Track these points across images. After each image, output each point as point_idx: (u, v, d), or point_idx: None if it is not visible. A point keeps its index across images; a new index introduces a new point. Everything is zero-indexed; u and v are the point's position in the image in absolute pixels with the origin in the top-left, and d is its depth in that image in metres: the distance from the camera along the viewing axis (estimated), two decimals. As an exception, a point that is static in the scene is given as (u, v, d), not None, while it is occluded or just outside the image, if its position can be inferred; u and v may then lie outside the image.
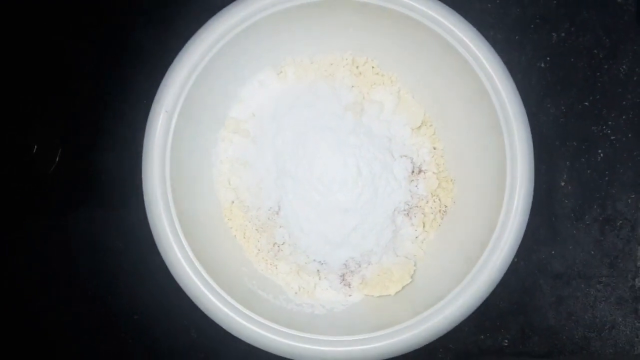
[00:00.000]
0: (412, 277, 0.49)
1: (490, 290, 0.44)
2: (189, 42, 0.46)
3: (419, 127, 0.51)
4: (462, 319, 0.44)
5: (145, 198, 0.45)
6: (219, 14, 0.46)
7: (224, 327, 0.44)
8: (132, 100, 0.54)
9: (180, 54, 0.46)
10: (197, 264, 0.44)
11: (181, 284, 0.45)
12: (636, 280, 0.54)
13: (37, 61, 0.55)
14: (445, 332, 0.44)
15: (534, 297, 0.54)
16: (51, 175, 0.54)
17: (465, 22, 0.46)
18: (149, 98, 0.46)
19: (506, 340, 0.54)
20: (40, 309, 0.55)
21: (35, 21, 0.55)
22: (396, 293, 0.48)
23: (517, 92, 0.45)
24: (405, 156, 0.50)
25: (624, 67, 0.55)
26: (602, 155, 0.55)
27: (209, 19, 0.46)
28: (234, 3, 0.46)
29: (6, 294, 0.55)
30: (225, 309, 0.44)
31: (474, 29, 0.46)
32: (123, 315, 0.54)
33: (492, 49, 0.46)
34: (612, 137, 0.55)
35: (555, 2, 0.55)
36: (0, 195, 0.55)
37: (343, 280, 0.49)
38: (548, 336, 0.54)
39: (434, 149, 0.51)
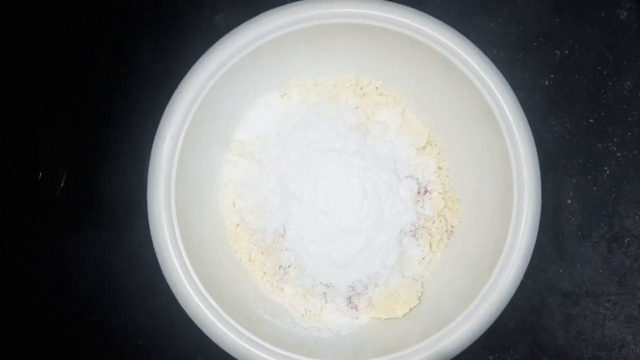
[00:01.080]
0: (419, 298, 0.48)
1: (500, 311, 0.43)
2: (194, 66, 0.46)
3: (424, 147, 0.51)
4: (471, 341, 0.43)
5: (150, 222, 0.45)
6: (223, 38, 0.46)
7: (229, 352, 0.44)
8: (137, 124, 0.54)
9: (186, 78, 0.46)
10: (202, 288, 0.44)
11: (186, 309, 0.44)
12: (645, 297, 0.54)
13: (41, 86, 0.55)
14: (454, 355, 0.43)
15: (542, 316, 0.53)
16: (56, 200, 0.54)
17: (468, 41, 0.46)
18: (154, 121, 0.46)
19: (515, 361, 0.53)
20: (41, 332, 0.55)
21: (40, 44, 0.55)
22: (403, 315, 0.48)
23: (521, 111, 0.45)
24: (411, 177, 0.50)
25: (628, 83, 0.55)
26: (608, 172, 0.54)
27: (214, 43, 0.46)
28: (238, 27, 0.46)
29: (8, 318, 0.55)
30: (231, 334, 0.43)
31: (477, 49, 0.46)
32: (127, 340, 0.54)
33: (495, 68, 0.46)
34: (617, 154, 0.54)
35: (557, 19, 0.55)
36: (6, 219, 0.55)
37: (350, 302, 0.49)
38: (557, 356, 0.53)
39: (440, 168, 0.51)
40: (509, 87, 0.45)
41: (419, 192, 0.50)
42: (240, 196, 0.50)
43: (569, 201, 0.54)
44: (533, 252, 0.45)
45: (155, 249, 0.45)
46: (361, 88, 0.51)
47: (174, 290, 0.44)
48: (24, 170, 0.54)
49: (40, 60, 0.55)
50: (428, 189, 0.50)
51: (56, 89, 0.56)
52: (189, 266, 0.44)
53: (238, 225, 0.50)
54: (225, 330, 0.43)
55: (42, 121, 0.55)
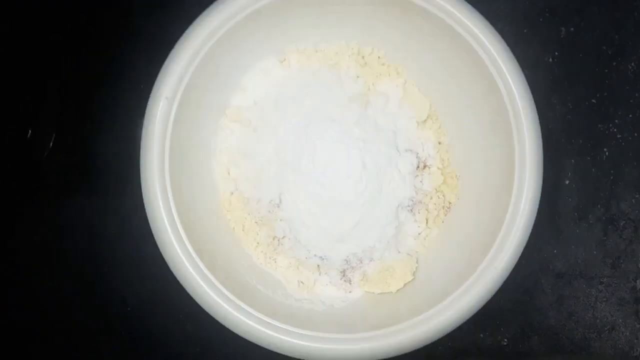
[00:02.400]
0: (414, 274, 0.48)
1: (494, 291, 0.43)
2: (190, 27, 0.44)
3: (425, 120, 0.50)
4: (464, 320, 0.43)
5: (143, 187, 0.43)
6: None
7: (220, 321, 0.43)
8: (130, 85, 0.53)
9: (182, 39, 0.44)
10: (194, 255, 0.43)
11: (178, 276, 0.43)
12: (638, 281, 0.53)
13: (31, 44, 0.54)
14: (446, 333, 0.43)
15: (535, 296, 0.53)
16: (45, 161, 0.53)
17: (476, 12, 0.45)
18: (147, 82, 0.45)
19: (505, 340, 0.53)
20: (31, 298, 0.54)
21: (30, 7, 0.53)
22: (397, 290, 0.47)
23: (527, 87, 0.44)
24: (411, 150, 0.49)
25: (633, 64, 0.54)
26: (607, 153, 0.54)
27: (211, 4, 0.45)
28: (238, -13, 0.44)
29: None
30: (223, 303, 0.43)
31: (485, 20, 0.45)
32: (116, 307, 0.53)
33: (503, 42, 0.45)
34: (618, 136, 0.54)
35: (565, -5, 0.54)
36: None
37: (344, 276, 0.48)
38: (548, 336, 0.53)
39: (439, 143, 0.50)
40: (515, 62, 0.44)
41: (418, 167, 0.49)
42: (235, 164, 0.49)
43: (567, 182, 0.54)
44: (528, 232, 0.44)
45: (148, 215, 0.44)
46: (363, 57, 0.50)
47: (166, 257, 0.43)
48: (12, 127, 0.52)
49: (33, 22, 0.54)
50: (427, 163, 0.50)
51: (47, 49, 0.54)
52: (182, 233, 0.43)
53: (232, 193, 0.49)
54: (217, 299, 0.42)
55: (31, 80, 0.53)
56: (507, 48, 0.44)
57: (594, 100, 0.54)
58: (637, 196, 0.54)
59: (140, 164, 0.44)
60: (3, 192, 0.54)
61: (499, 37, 0.44)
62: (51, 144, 0.53)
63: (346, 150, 0.46)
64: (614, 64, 0.54)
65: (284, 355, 0.43)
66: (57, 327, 0.54)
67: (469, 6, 0.45)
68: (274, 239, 0.48)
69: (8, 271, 0.54)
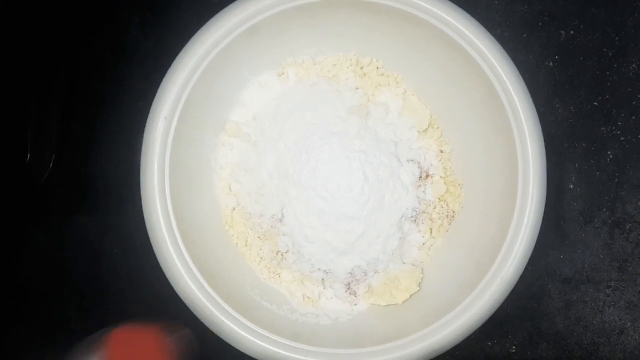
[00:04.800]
0: (419, 285, 0.47)
1: (502, 300, 0.42)
2: (188, 44, 0.44)
3: (426, 129, 0.49)
4: (472, 331, 0.42)
5: (144, 206, 0.43)
6: (218, 15, 0.44)
7: (225, 339, 0.43)
8: (128, 103, 0.53)
9: (179, 56, 0.44)
10: (196, 273, 0.43)
11: (180, 295, 0.43)
12: (646, 284, 0.53)
13: (30, 65, 0.53)
14: (454, 344, 0.42)
15: (542, 302, 0.53)
16: (45, 182, 0.53)
17: (472, 19, 0.45)
18: (146, 100, 0.45)
19: (514, 347, 0.53)
20: (33, 316, 0.53)
21: (28, 25, 0.53)
22: (403, 302, 0.47)
23: (527, 92, 0.44)
24: (412, 160, 0.49)
25: (634, 65, 0.54)
26: (611, 156, 0.53)
27: (209, 20, 0.44)
28: (233, 3, 0.44)
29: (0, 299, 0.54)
30: (226, 321, 0.42)
31: (482, 27, 0.45)
32: (120, 325, 0.53)
33: (500, 47, 0.44)
34: (621, 138, 0.53)
35: (563, -2, 0.54)
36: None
37: (348, 289, 0.48)
38: (556, 342, 0.53)
39: (441, 152, 0.50)
40: (514, 67, 0.44)
41: (420, 177, 0.49)
42: (236, 179, 0.49)
43: (571, 186, 0.53)
44: (534, 238, 0.44)
45: (149, 233, 0.43)
46: (361, 68, 0.50)
47: (168, 276, 0.43)
48: (12, 151, 0.52)
49: (31, 40, 0.53)
50: (429, 173, 0.49)
51: (45, 69, 0.54)
52: (184, 251, 0.43)
53: (234, 209, 0.49)
54: (222, 317, 0.42)
55: (30, 102, 0.53)
56: (505, 53, 0.44)
57: (596, 103, 0.54)
58: (642, 198, 0.53)
59: (141, 183, 0.43)
60: (5, 214, 0.53)
61: (496, 43, 0.44)
62: (51, 165, 0.53)
63: (347, 162, 0.46)
64: (615, 65, 0.54)
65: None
66: (60, 347, 0.53)
67: (466, 14, 0.44)
68: (277, 253, 0.48)
69: (12, 291, 0.54)
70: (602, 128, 0.54)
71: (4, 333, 0.54)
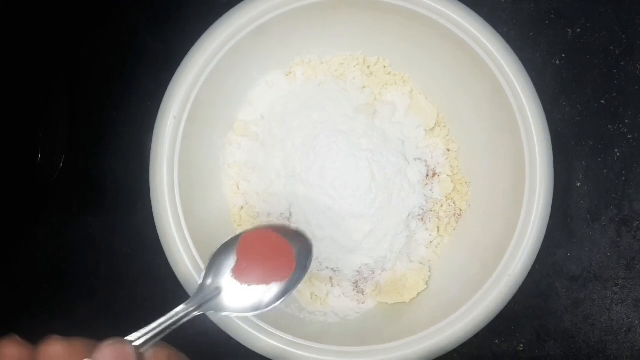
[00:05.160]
0: (427, 283, 0.48)
1: (509, 298, 0.43)
2: (196, 44, 0.44)
3: (433, 128, 0.50)
4: (479, 329, 0.42)
5: (153, 205, 0.44)
6: (226, 14, 0.44)
7: (234, 337, 0.43)
8: (136, 102, 0.53)
9: (188, 56, 0.44)
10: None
11: (190, 293, 0.43)
12: (653, 282, 0.53)
13: (39, 65, 0.54)
14: (462, 342, 0.42)
15: (550, 300, 0.53)
16: (55, 182, 0.53)
17: (479, 18, 0.45)
18: (154, 100, 0.45)
19: (521, 345, 0.53)
20: (43, 316, 0.54)
21: (40, 25, 0.54)
22: (411, 300, 0.47)
23: (534, 90, 0.44)
24: (419, 159, 0.49)
25: (641, 63, 0.54)
26: (618, 154, 0.53)
27: (217, 20, 0.45)
28: (241, 3, 0.44)
29: (9, 299, 0.54)
30: (236, 319, 0.43)
31: (488, 25, 0.45)
32: (130, 324, 0.53)
33: (507, 46, 0.44)
34: (629, 136, 0.53)
35: (569, -4, 0.54)
36: (6, 202, 0.53)
37: (356, 287, 0.48)
38: (564, 340, 0.53)
39: (448, 150, 0.50)
40: (521, 65, 0.44)
41: (427, 175, 0.49)
42: (244, 178, 0.49)
43: (579, 184, 0.53)
44: (541, 236, 0.44)
45: (159, 232, 0.44)
46: (368, 67, 0.50)
47: (177, 275, 0.43)
48: (23, 151, 0.53)
49: (39, 40, 0.54)
50: (437, 171, 0.49)
51: (55, 69, 0.54)
52: (193, 250, 0.43)
53: (242, 207, 0.49)
54: (229, 315, 0.42)
55: (40, 102, 0.54)
56: (512, 52, 0.44)
57: (603, 101, 0.54)
58: (649, 196, 0.53)
59: (150, 182, 0.44)
60: (16, 214, 0.54)
61: (503, 41, 0.44)
62: (61, 165, 0.53)
63: (355, 161, 0.46)
64: (622, 63, 0.54)
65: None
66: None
67: (472, 12, 0.45)
68: (285, 250, 0.48)
69: (20, 289, 0.54)
70: (609, 126, 0.54)
71: (16, 330, 0.54)
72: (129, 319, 0.53)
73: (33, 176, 0.53)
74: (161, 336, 0.35)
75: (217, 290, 0.37)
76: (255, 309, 0.38)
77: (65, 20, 0.54)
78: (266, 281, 0.38)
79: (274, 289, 0.38)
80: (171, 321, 0.36)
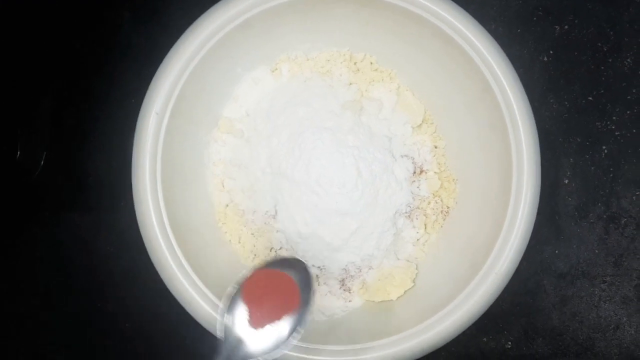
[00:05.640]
0: (414, 281, 0.47)
1: (497, 295, 0.42)
2: (180, 39, 0.44)
3: (420, 125, 0.49)
4: (466, 326, 0.42)
5: (136, 203, 0.43)
6: (211, 9, 0.44)
7: (219, 337, 0.42)
8: (120, 99, 0.52)
9: (171, 52, 0.44)
10: (189, 270, 0.43)
11: (173, 291, 0.43)
12: (641, 279, 0.53)
13: (19, 60, 0.53)
14: (449, 340, 0.42)
15: (537, 298, 0.53)
16: (37, 179, 0.52)
17: (467, 14, 0.45)
18: (138, 97, 0.45)
19: (509, 343, 0.52)
20: (28, 315, 0.53)
21: (19, 21, 0.53)
22: (398, 298, 0.47)
23: (521, 86, 0.44)
24: (406, 156, 0.48)
25: (629, 60, 0.53)
26: (606, 151, 0.53)
27: (201, 15, 0.44)
28: (226, -2, 0.44)
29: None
30: (219, 317, 0.42)
31: (476, 22, 0.44)
32: (114, 324, 0.53)
33: (494, 42, 0.44)
34: (616, 133, 0.53)
35: (557, -8, 0.54)
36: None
37: (343, 285, 0.48)
38: (552, 337, 0.53)
39: (436, 147, 0.49)
40: (508, 62, 0.44)
41: (414, 172, 0.49)
42: (229, 176, 0.48)
43: (566, 181, 0.53)
44: (528, 233, 0.44)
45: (141, 231, 0.43)
46: (355, 63, 0.49)
47: (161, 273, 0.43)
48: (2, 148, 0.52)
49: (19, 36, 0.53)
50: (424, 168, 0.49)
51: (36, 65, 0.53)
52: (177, 248, 0.43)
53: (227, 205, 0.49)
54: (214, 314, 0.42)
55: (21, 99, 0.53)
56: (499, 48, 0.44)
57: (590, 98, 0.53)
58: (637, 193, 0.53)
59: (132, 180, 0.43)
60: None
61: (490, 38, 0.44)
62: (42, 163, 0.52)
63: (340, 158, 0.46)
64: (610, 60, 0.53)
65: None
66: (53, 344, 0.53)
67: (460, 8, 0.44)
68: (271, 250, 0.48)
69: (4, 288, 0.53)
70: (597, 123, 0.53)
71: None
72: (113, 318, 0.53)
73: (12, 173, 0.52)
74: None
75: (239, 342, 0.38)
76: (277, 345, 0.39)
77: (48, 16, 0.53)
78: (279, 317, 0.39)
79: (288, 321, 0.39)
80: None
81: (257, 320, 0.38)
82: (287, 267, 0.41)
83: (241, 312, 0.39)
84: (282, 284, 0.40)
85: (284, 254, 0.48)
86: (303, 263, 0.42)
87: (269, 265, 0.41)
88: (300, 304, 0.39)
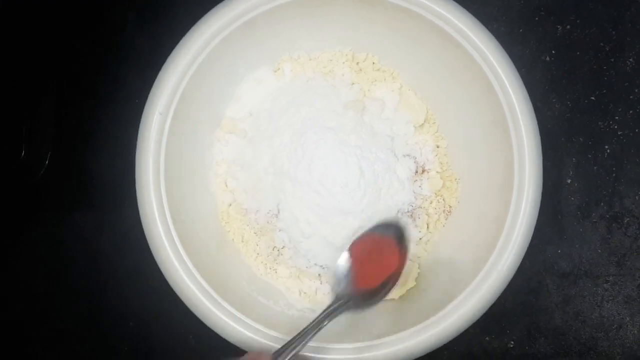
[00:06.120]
0: (415, 280, 0.47)
1: (499, 294, 0.42)
2: (183, 39, 0.44)
3: (422, 124, 0.49)
4: (469, 325, 0.42)
5: (139, 203, 0.43)
6: (213, 10, 0.44)
7: (221, 335, 0.43)
8: (123, 99, 0.53)
9: (174, 52, 0.44)
10: (193, 269, 0.43)
11: (177, 291, 0.43)
12: (644, 278, 0.53)
13: (23, 61, 0.54)
14: (451, 338, 0.42)
15: (540, 297, 0.53)
16: (42, 179, 0.53)
17: (469, 14, 0.45)
18: (141, 97, 0.45)
19: (512, 342, 0.52)
20: (32, 315, 0.53)
21: (23, 22, 0.53)
22: (400, 297, 0.47)
23: (523, 86, 0.44)
24: (408, 155, 0.49)
25: (631, 60, 0.53)
26: (608, 151, 0.53)
27: (203, 15, 0.44)
28: (228, -1, 0.44)
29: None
30: (223, 316, 0.42)
31: (478, 22, 0.45)
32: (118, 323, 0.53)
33: (496, 42, 0.44)
34: (619, 132, 0.53)
35: (559, -8, 0.54)
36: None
37: (345, 284, 0.48)
38: (555, 337, 0.53)
39: (437, 147, 0.50)
40: (510, 62, 0.44)
41: (416, 172, 0.49)
42: (232, 175, 0.49)
43: (569, 180, 0.53)
44: (531, 233, 0.44)
45: (145, 231, 0.43)
46: (357, 63, 0.50)
47: (164, 273, 0.43)
48: (6, 148, 0.52)
49: (23, 37, 0.53)
50: (426, 168, 0.49)
51: (39, 66, 0.54)
52: (180, 248, 0.43)
53: (230, 205, 0.49)
54: (218, 313, 0.42)
55: (25, 99, 0.53)
56: (501, 48, 0.44)
57: (593, 98, 0.53)
58: (640, 192, 0.53)
59: (136, 180, 0.43)
60: (2, 212, 0.53)
61: (492, 37, 0.44)
62: (47, 163, 0.53)
63: (343, 158, 0.46)
64: (612, 60, 0.53)
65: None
66: (57, 343, 0.53)
67: (462, 8, 0.44)
68: (273, 249, 0.48)
69: (8, 288, 0.54)
70: (600, 123, 0.53)
71: None
72: (118, 317, 0.53)
73: (17, 173, 0.52)
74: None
75: (348, 298, 0.41)
76: (377, 301, 0.41)
77: (52, 16, 0.54)
78: (382, 276, 0.42)
79: (390, 282, 0.42)
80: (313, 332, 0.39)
81: (364, 281, 0.41)
82: (384, 229, 0.43)
83: (348, 272, 0.41)
84: (384, 246, 0.42)
85: (287, 253, 0.48)
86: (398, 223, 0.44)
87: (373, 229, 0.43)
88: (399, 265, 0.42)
